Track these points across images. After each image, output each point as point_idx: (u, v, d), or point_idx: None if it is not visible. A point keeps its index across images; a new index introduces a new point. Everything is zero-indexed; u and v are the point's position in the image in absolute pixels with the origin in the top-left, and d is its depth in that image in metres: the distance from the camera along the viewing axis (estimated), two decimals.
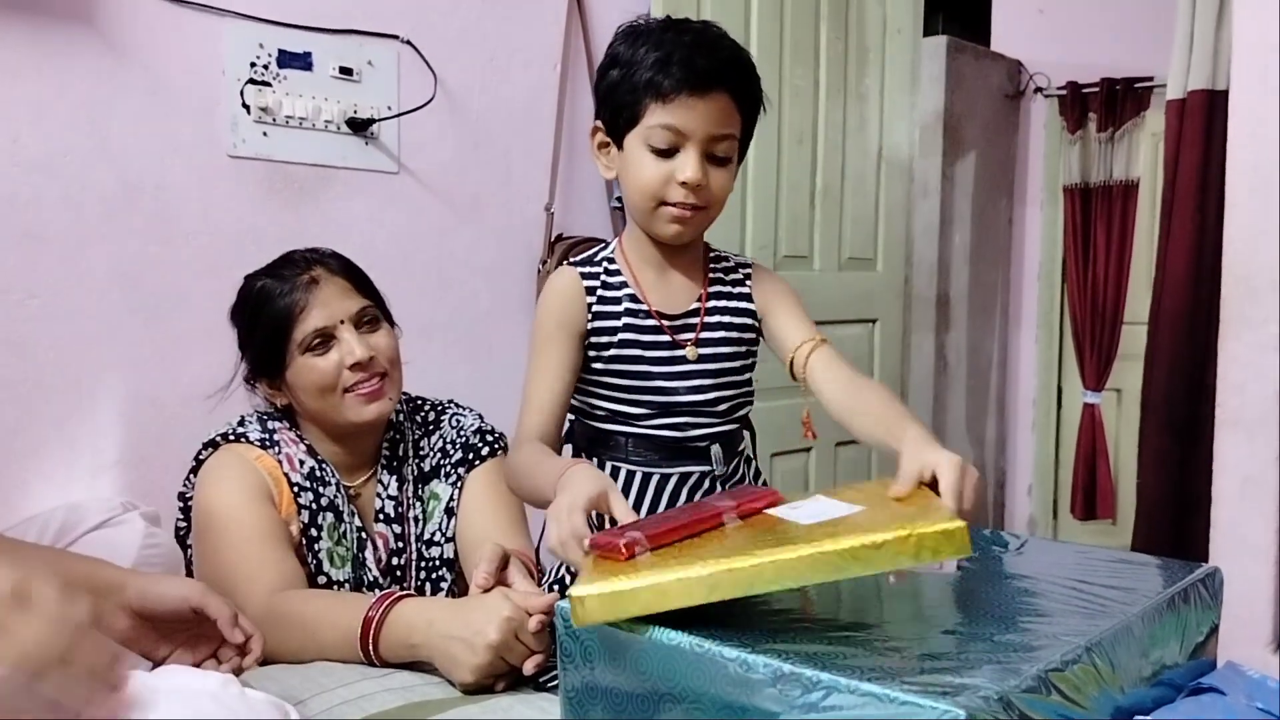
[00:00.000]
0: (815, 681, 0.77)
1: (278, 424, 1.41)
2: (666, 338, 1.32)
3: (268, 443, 1.38)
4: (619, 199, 2.36)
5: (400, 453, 1.47)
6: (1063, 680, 0.80)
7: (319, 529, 1.36)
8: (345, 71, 1.98)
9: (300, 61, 1.92)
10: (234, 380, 1.44)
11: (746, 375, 1.39)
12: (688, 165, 1.23)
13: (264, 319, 1.38)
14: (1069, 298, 3.44)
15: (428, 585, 1.42)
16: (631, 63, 1.23)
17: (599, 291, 1.32)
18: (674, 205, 1.26)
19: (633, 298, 1.33)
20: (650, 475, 1.32)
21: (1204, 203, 2.43)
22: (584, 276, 1.33)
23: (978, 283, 3.46)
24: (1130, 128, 3.30)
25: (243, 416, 1.43)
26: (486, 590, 1.16)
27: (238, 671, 1.07)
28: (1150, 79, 3.20)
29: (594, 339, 1.32)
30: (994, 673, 0.76)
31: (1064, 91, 3.41)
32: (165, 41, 1.76)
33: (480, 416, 1.54)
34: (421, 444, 1.49)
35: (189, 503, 1.40)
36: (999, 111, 3.51)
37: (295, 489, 1.35)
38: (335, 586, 1.35)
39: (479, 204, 2.21)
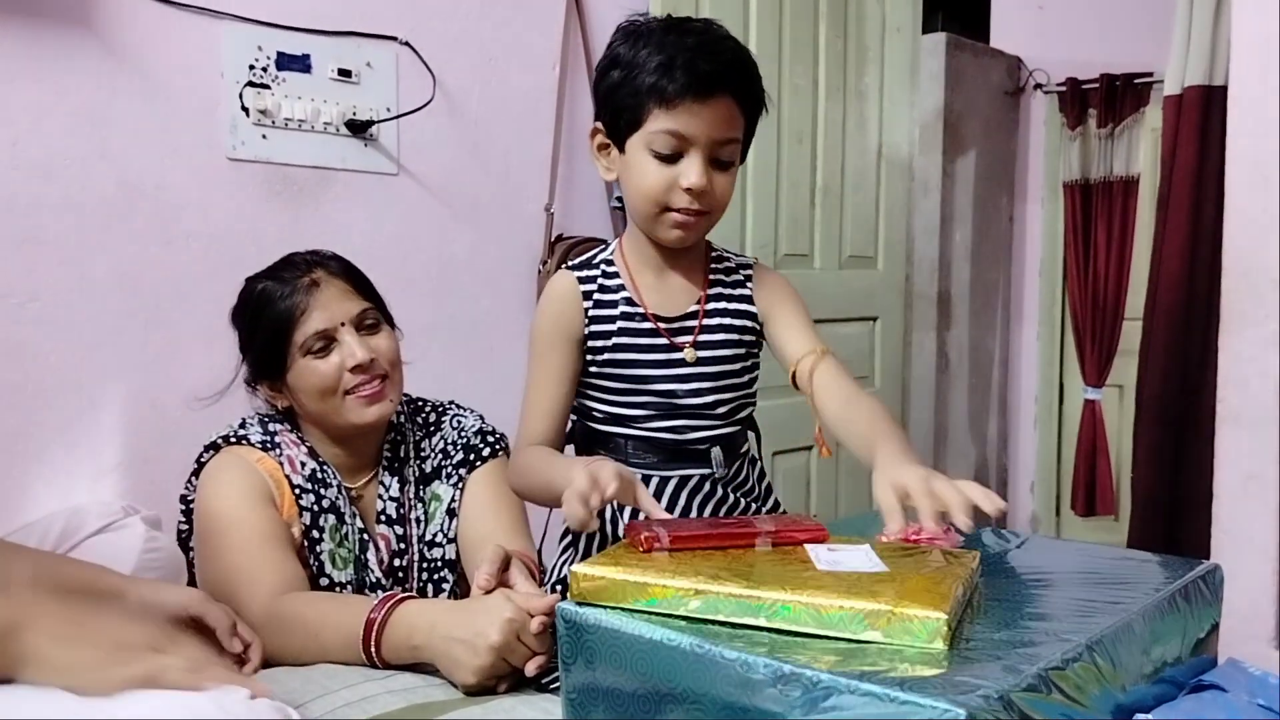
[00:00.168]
0: (816, 682, 0.77)
1: (279, 426, 1.42)
2: (663, 340, 1.32)
3: (269, 445, 1.38)
4: (619, 199, 2.35)
5: (401, 454, 1.47)
6: (1063, 679, 0.79)
7: (321, 531, 1.36)
8: (344, 73, 1.98)
9: (299, 64, 1.92)
10: (231, 382, 1.44)
11: (747, 377, 1.38)
12: (691, 171, 1.22)
13: (265, 321, 1.38)
14: (1070, 294, 3.44)
15: (429, 586, 1.43)
16: (633, 65, 1.22)
17: (595, 295, 1.32)
18: (677, 211, 1.25)
19: (629, 300, 1.32)
20: (650, 477, 1.32)
21: (1200, 198, 2.43)
22: (581, 280, 1.33)
23: (979, 280, 3.45)
24: (1130, 124, 3.29)
25: (244, 419, 1.43)
26: (488, 591, 1.16)
27: None
28: (1150, 74, 3.20)
29: (591, 341, 1.32)
30: (994, 672, 0.76)
31: (1064, 88, 3.40)
32: (164, 44, 1.76)
33: (481, 417, 1.54)
34: (423, 445, 1.49)
35: (190, 505, 1.40)
36: (999, 108, 3.51)
37: (297, 491, 1.36)
38: (337, 588, 1.36)
39: (478, 205, 2.21)
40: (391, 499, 1.43)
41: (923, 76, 3.17)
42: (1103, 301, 3.32)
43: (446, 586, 1.43)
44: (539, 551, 1.54)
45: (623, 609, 0.91)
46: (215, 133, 1.83)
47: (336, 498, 1.39)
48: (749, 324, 1.36)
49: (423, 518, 1.45)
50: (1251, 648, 1.61)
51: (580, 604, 0.93)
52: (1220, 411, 1.74)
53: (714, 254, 1.39)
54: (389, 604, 1.17)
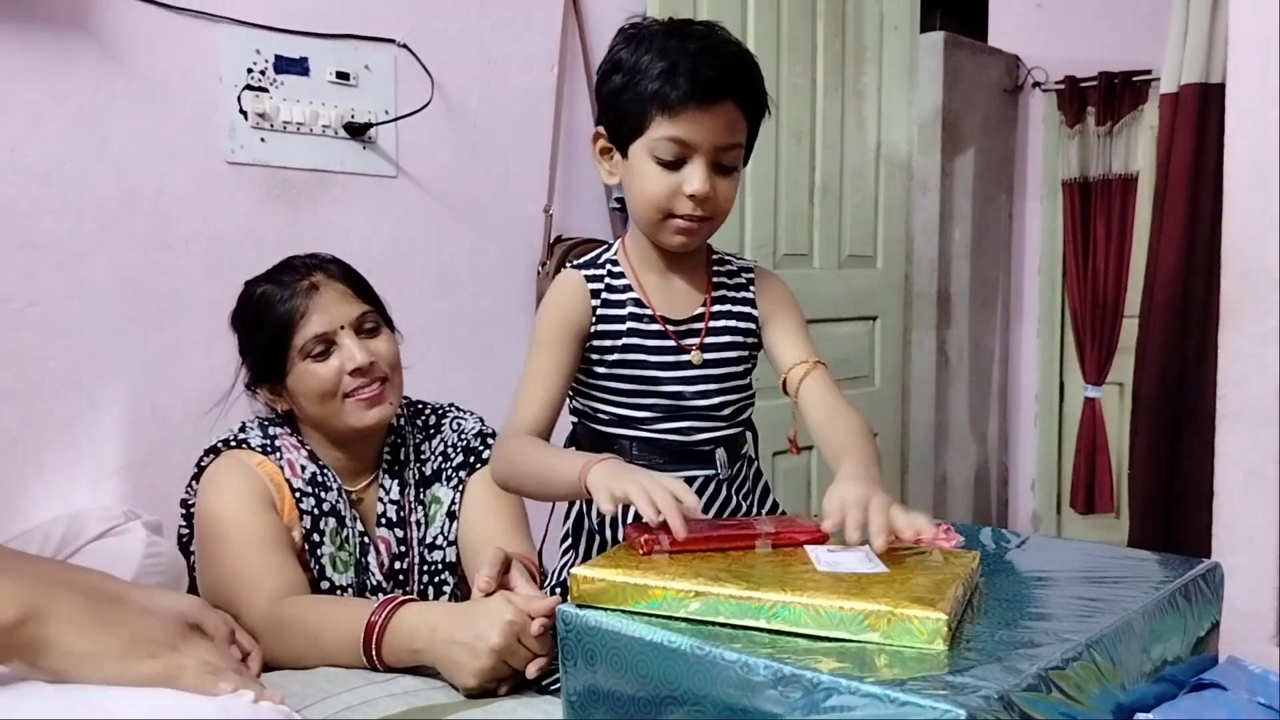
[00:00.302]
0: (816, 683, 0.77)
1: (279, 430, 1.42)
2: (671, 343, 1.32)
3: (269, 448, 1.38)
4: (618, 200, 2.36)
5: (401, 457, 1.47)
6: (1063, 678, 0.80)
7: (321, 534, 1.36)
8: (342, 76, 1.98)
9: (297, 67, 1.92)
10: (232, 388, 1.44)
11: (749, 379, 1.39)
12: (695, 178, 1.22)
13: (264, 325, 1.38)
14: (1069, 292, 3.43)
15: (430, 589, 1.43)
16: (635, 70, 1.21)
17: (603, 294, 1.32)
18: (681, 218, 1.25)
19: (637, 302, 1.32)
20: None
21: (1197, 196, 2.43)
22: (588, 279, 1.33)
23: (978, 278, 3.45)
24: (1129, 121, 3.29)
25: (244, 423, 1.43)
26: (488, 594, 1.16)
27: None
28: (1148, 72, 3.19)
29: (597, 342, 1.32)
30: (995, 672, 0.77)
31: (1062, 86, 3.40)
32: (162, 48, 1.76)
33: (481, 420, 1.54)
34: (423, 448, 1.49)
35: (191, 510, 1.40)
36: (997, 107, 3.51)
37: (297, 494, 1.36)
38: (338, 591, 1.36)
39: (477, 206, 2.21)
40: (392, 502, 1.43)
41: (921, 75, 3.17)
42: (1102, 299, 3.32)
43: (447, 589, 1.43)
44: (539, 553, 1.54)
45: (623, 611, 0.91)
46: (214, 136, 1.83)
47: (337, 501, 1.39)
48: (751, 326, 1.37)
49: (423, 520, 1.45)
50: (1252, 645, 1.61)
51: (581, 606, 0.93)
52: (1220, 409, 1.74)
53: (715, 257, 1.39)
54: (389, 607, 1.17)
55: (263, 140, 1.88)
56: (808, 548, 0.99)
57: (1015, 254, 3.66)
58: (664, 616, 0.90)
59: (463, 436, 1.49)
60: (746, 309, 1.37)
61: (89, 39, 1.69)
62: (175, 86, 1.78)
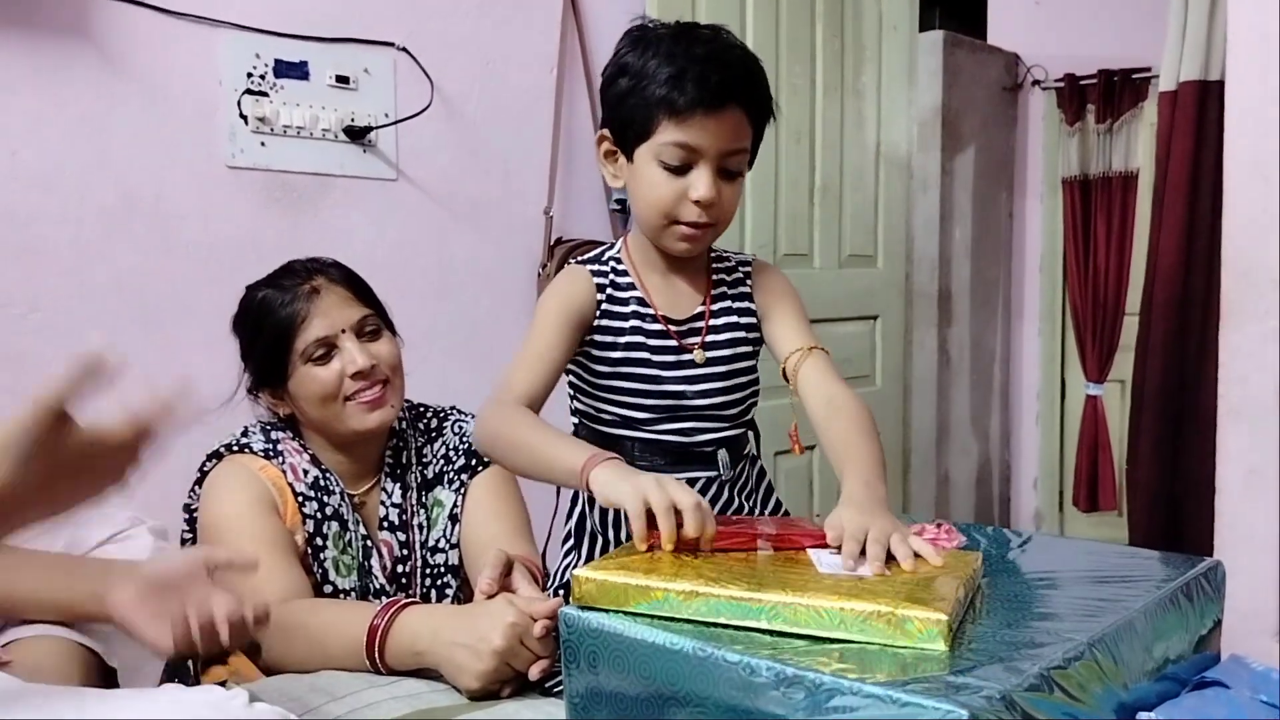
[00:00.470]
0: (819, 684, 0.77)
1: (281, 434, 1.42)
2: (673, 343, 1.32)
3: (271, 453, 1.38)
4: (618, 201, 2.36)
5: (403, 460, 1.47)
6: (1065, 678, 0.80)
7: (324, 538, 1.36)
8: (342, 80, 1.98)
9: (297, 71, 1.92)
10: (235, 392, 1.45)
11: (753, 375, 1.39)
12: (701, 184, 1.22)
13: (266, 329, 1.39)
14: (1070, 290, 3.43)
15: (433, 592, 1.43)
16: (642, 74, 1.21)
17: (608, 290, 1.33)
18: (685, 224, 1.25)
19: (640, 301, 1.33)
20: None
21: (1197, 193, 2.43)
22: (594, 274, 1.33)
23: (979, 277, 3.46)
24: (1129, 119, 3.29)
25: (246, 427, 1.43)
26: (491, 596, 1.17)
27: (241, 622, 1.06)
28: (1148, 70, 3.19)
29: (599, 338, 1.32)
30: (997, 672, 0.77)
31: (1062, 84, 3.40)
32: (162, 54, 1.77)
33: None
34: (424, 451, 1.50)
35: (194, 514, 1.40)
36: (997, 105, 3.51)
37: (300, 499, 1.36)
38: (341, 595, 1.36)
39: (477, 209, 2.21)
40: (394, 505, 1.44)
41: (920, 74, 3.17)
42: (1103, 297, 3.32)
43: (450, 592, 1.43)
44: (543, 556, 1.54)
45: (625, 612, 0.91)
46: (214, 141, 1.83)
47: (339, 505, 1.39)
48: (753, 321, 1.37)
49: (425, 524, 1.45)
50: (1255, 642, 1.61)
51: (583, 608, 0.93)
52: (1221, 407, 1.73)
53: (714, 254, 1.40)
54: (392, 610, 1.17)
55: (263, 144, 1.89)
56: (810, 550, 0.99)
57: (1016, 252, 3.66)
58: (665, 618, 0.90)
59: (464, 439, 1.49)
60: (746, 304, 1.37)
61: (89, 45, 1.69)
62: (175, 91, 1.79)
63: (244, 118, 1.86)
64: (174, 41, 1.78)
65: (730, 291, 1.38)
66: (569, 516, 1.45)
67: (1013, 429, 3.73)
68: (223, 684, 1.02)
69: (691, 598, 0.89)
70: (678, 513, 0.98)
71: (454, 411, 1.55)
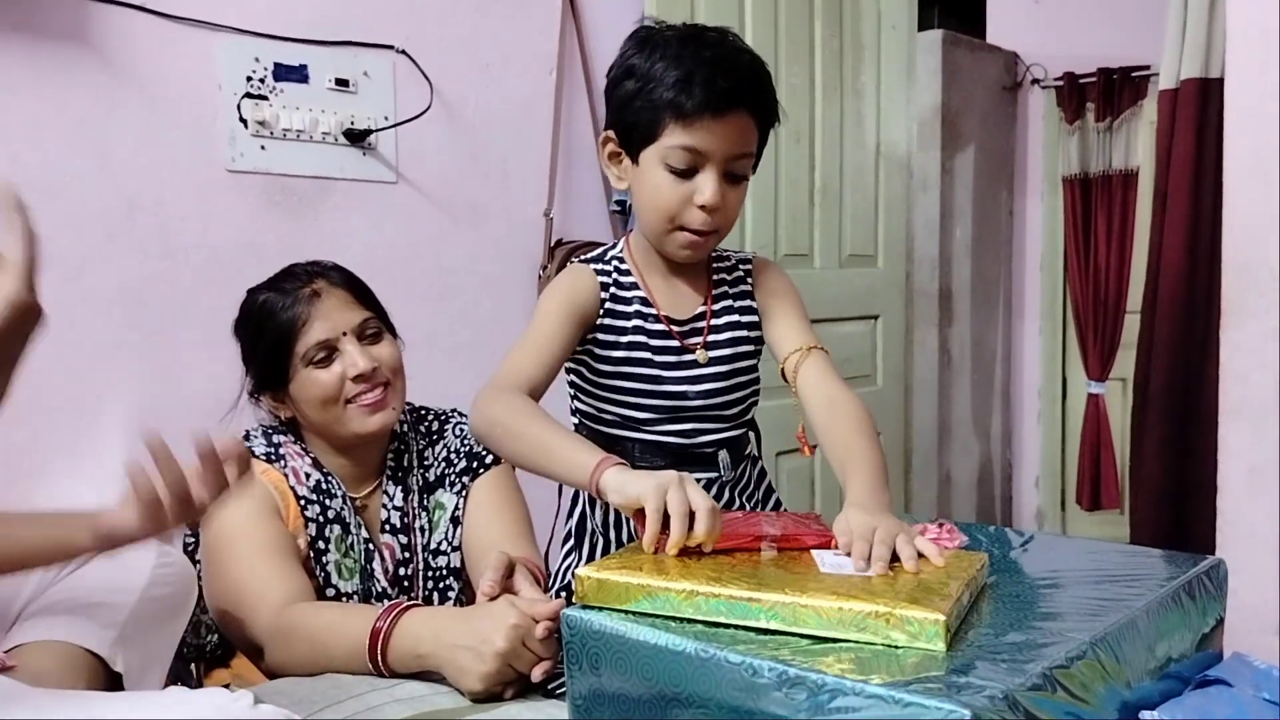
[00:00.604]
0: (821, 685, 0.77)
1: (283, 438, 1.42)
2: (676, 343, 1.33)
3: (273, 457, 1.38)
4: (618, 202, 2.36)
5: (405, 463, 1.47)
6: (1068, 677, 0.80)
7: (326, 541, 1.36)
8: (341, 83, 1.98)
9: (296, 74, 1.93)
10: (239, 398, 1.45)
11: (754, 375, 1.39)
12: (707, 188, 1.22)
13: (267, 333, 1.39)
14: (1071, 288, 3.43)
15: (435, 595, 1.43)
16: (649, 77, 1.21)
17: (612, 289, 1.33)
18: (689, 230, 1.25)
19: (644, 300, 1.33)
20: None
21: (1200, 191, 2.43)
22: (598, 273, 1.33)
23: (979, 276, 3.45)
24: (1129, 117, 3.29)
25: (248, 431, 1.44)
26: (493, 598, 1.17)
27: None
28: (1147, 67, 3.19)
29: (601, 336, 1.32)
30: (999, 671, 0.77)
31: (1061, 82, 3.40)
32: (161, 58, 1.77)
33: None
34: (426, 454, 1.50)
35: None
36: (997, 104, 3.51)
37: (302, 502, 1.36)
38: (344, 598, 1.36)
39: (478, 211, 2.21)
40: (395, 508, 1.44)
41: (920, 73, 3.17)
42: (1104, 295, 3.32)
43: (452, 594, 1.43)
44: (545, 557, 1.54)
45: (628, 612, 0.91)
46: (214, 145, 1.84)
47: (341, 508, 1.39)
48: (754, 319, 1.37)
49: (427, 526, 1.45)
50: (1257, 640, 1.61)
51: (585, 608, 0.94)
52: (1222, 405, 1.74)
53: (714, 254, 1.40)
54: (394, 613, 1.17)
55: (263, 148, 1.89)
56: (813, 551, 0.99)
57: (1016, 251, 3.66)
58: (667, 617, 0.90)
59: (465, 442, 1.49)
60: (747, 302, 1.38)
61: (88, 49, 1.69)
62: (175, 95, 1.79)
63: (244, 121, 1.86)
64: (173, 45, 1.78)
65: (731, 291, 1.38)
66: (569, 517, 1.45)
67: (1014, 428, 3.73)
68: (226, 687, 1.02)
69: (692, 597, 0.89)
70: (691, 516, 0.98)
71: (455, 414, 1.55)
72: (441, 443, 1.50)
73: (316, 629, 1.21)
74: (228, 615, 1.32)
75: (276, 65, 1.90)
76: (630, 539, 1.36)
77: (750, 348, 1.38)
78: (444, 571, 1.43)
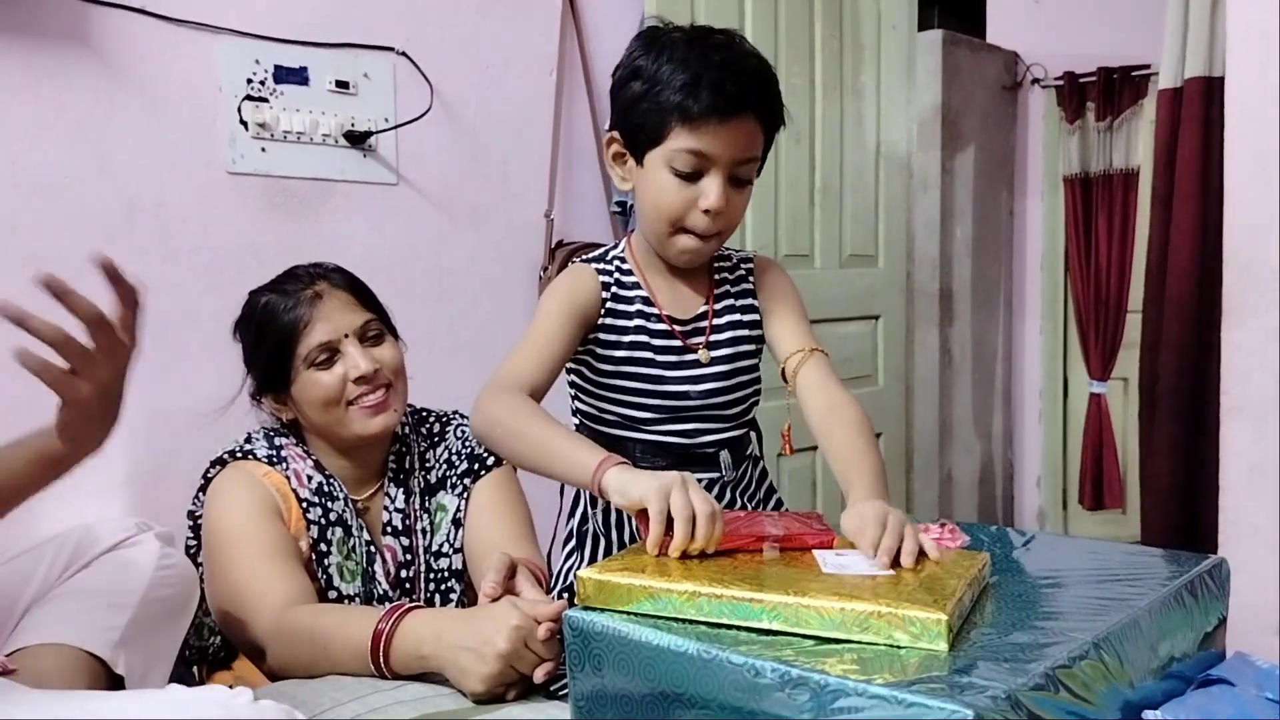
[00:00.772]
0: (823, 685, 0.77)
1: (284, 440, 1.42)
2: (678, 342, 1.33)
3: (275, 459, 1.38)
4: (618, 203, 2.36)
5: (406, 465, 1.47)
6: (1071, 677, 0.80)
7: (328, 544, 1.36)
8: (342, 85, 1.98)
9: (296, 76, 1.93)
10: (235, 396, 1.45)
11: (755, 375, 1.39)
12: (712, 192, 1.21)
13: (269, 334, 1.39)
14: (1072, 288, 3.44)
15: (437, 597, 1.43)
16: (655, 79, 1.20)
17: (613, 289, 1.33)
18: (692, 233, 1.25)
19: (645, 300, 1.33)
20: None
21: (1206, 189, 2.43)
22: (599, 273, 1.33)
23: (980, 275, 3.45)
24: (1129, 116, 3.29)
25: (249, 433, 1.44)
26: (494, 599, 1.17)
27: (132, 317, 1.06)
28: (1147, 66, 3.19)
29: (603, 335, 1.32)
30: (1002, 671, 0.77)
31: (1061, 82, 3.40)
32: (162, 60, 1.77)
33: None
34: (427, 456, 1.50)
35: (198, 521, 1.40)
36: (997, 104, 3.51)
37: (304, 505, 1.36)
38: (345, 600, 1.36)
39: (478, 212, 2.21)
40: (397, 510, 1.44)
41: (920, 73, 3.17)
42: (1105, 294, 3.32)
43: (454, 596, 1.43)
44: (548, 558, 1.54)
45: (630, 613, 0.91)
46: (214, 147, 1.84)
47: (343, 510, 1.39)
48: (755, 318, 1.37)
49: (428, 528, 1.45)
50: (1259, 639, 1.61)
51: (587, 609, 0.94)
52: (1224, 404, 1.74)
53: (716, 253, 1.40)
54: (396, 614, 1.17)
55: (263, 150, 1.89)
56: (815, 551, 0.99)
57: (1017, 250, 3.66)
58: (669, 618, 0.90)
59: (467, 444, 1.49)
60: (749, 300, 1.38)
61: (89, 52, 1.69)
62: (175, 98, 1.79)
63: (244, 123, 1.86)
64: (174, 48, 1.78)
65: (733, 290, 1.38)
66: (570, 517, 1.45)
67: (1015, 427, 3.72)
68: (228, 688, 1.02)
69: (694, 598, 0.89)
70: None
71: (456, 416, 1.55)
72: (443, 445, 1.50)
73: (318, 631, 1.21)
74: (229, 617, 1.32)
75: (277, 67, 1.90)
76: (632, 540, 1.36)
77: (752, 347, 1.38)
78: (445, 573, 1.43)
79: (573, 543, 1.43)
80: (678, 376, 1.32)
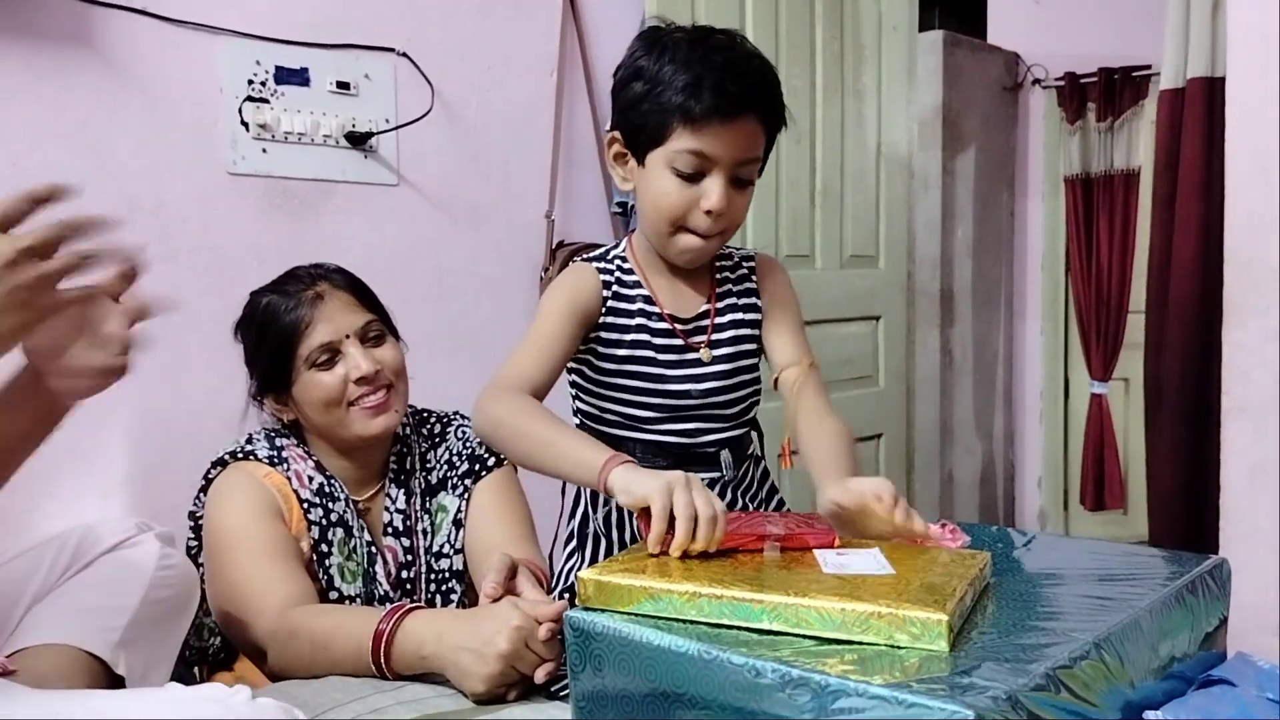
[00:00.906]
0: (824, 686, 0.77)
1: (285, 441, 1.42)
2: (679, 341, 1.33)
3: (276, 460, 1.39)
4: (619, 204, 2.36)
5: (407, 466, 1.47)
6: (1071, 678, 0.80)
7: (329, 545, 1.36)
8: (342, 86, 1.98)
9: (297, 77, 1.93)
10: (248, 406, 1.45)
11: (755, 374, 1.39)
12: (714, 193, 1.21)
13: (270, 335, 1.39)
14: (1073, 288, 3.43)
15: (438, 597, 1.43)
16: (657, 80, 1.20)
17: (614, 288, 1.33)
18: (693, 232, 1.25)
19: (647, 299, 1.33)
20: None
21: (1210, 189, 2.42)
22: (600, 271, 1.33)
23: (981, 276, 3.45)
24: (1130, 116, 3.29)
25: (250, 434, 1.44)
26: (495, 600, 1.17)
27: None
28: (1148, 67, 3.19)
29: (605, 334, 1.32)
30: (1002, 672, 0.77)
31: (1062, 82, 3.40)
32: (163, 61, 1.77)
33: None
34: (428, 457, 1.50)
35: (199, 522, 1.41)
36: (998, 104, 3.51)
37: (305, 505, 1.36)
38: (346, 601, 1.36)
39: (479, 213, 2.21)
40: (398, 511, 1.44)
41: (920, 74, 3.17)
42: (1106, 295, 3.32)
43: (455, 597, 1.43)
44: (548, 559, 1.54)
45: (630, 614, 0.91)
46: (215, 148, 1.84)
47: (344, 511, 1.39)
48: (757, 317, 1.38)
49: (429, 529, 1.45)
50: (1260, 638, 1.61)
51: (588, 610, 0.94)
52: (1225, 404, 1.74)
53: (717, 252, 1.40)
54: (397, 615, 1.17)
55: (264, 151, 1.89)
56: (816, 551, 0.99)
57: (1018, 251, 3.66)
58: (670, 619, 0.90)
59: (468, 445, 1.49)
60: (751, 300, 1.38)
61: (90, 53, 1.69)
62: (176, 99, 1.79)
63: (245, 124, 1.86)
64: (175, 49, 1.78)
65: (735, 290, 1.38)
66: (570, 517, 1.45)
67: (1016, 428, 3.72)
68: None
69: (695, 599, 0.89)
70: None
71: (457, 417, 1.55)
72: (444, 445, 1.51)
73: (319, 631, 1.21)
74: (230, 617, 1.32)
75: (278, 68, 1.90)
76: (633, 540, 1.36)
77: (753, 346, 1.38)
78: (446, 574, 1.43)
79: (574, 543, 1.43)
80: (679, 375, 1.32)
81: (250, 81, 1.87)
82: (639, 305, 1.32)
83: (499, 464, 1.48)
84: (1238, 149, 1.73)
